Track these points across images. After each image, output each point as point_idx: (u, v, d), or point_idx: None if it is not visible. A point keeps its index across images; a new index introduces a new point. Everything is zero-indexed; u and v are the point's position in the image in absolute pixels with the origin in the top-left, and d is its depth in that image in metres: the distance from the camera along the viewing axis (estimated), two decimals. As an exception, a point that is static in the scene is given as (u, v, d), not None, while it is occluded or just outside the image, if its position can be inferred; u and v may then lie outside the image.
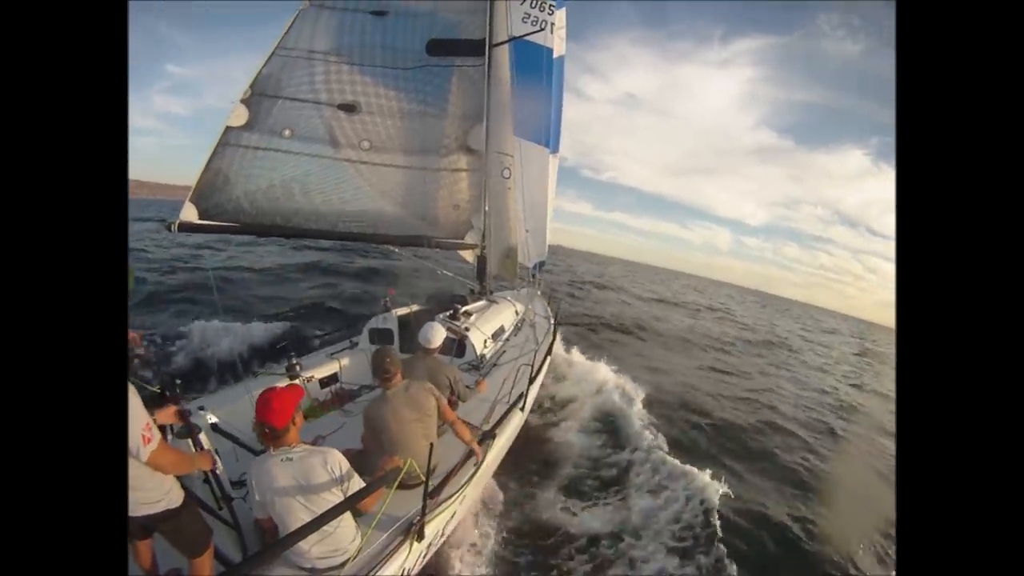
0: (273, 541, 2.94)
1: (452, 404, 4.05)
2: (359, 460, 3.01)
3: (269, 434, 2.51)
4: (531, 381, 5.25)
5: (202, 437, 3.04)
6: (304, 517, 2.45)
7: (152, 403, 2.47)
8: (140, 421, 2.06)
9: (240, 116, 4.85)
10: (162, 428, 2.71)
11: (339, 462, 2.64)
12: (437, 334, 4.34)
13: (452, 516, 3.76)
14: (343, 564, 2.66)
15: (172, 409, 2.76)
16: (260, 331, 8.75)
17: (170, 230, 4.62)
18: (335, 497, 2.57)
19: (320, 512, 2.43)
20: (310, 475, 2.54)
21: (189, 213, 4.72)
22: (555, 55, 6.94)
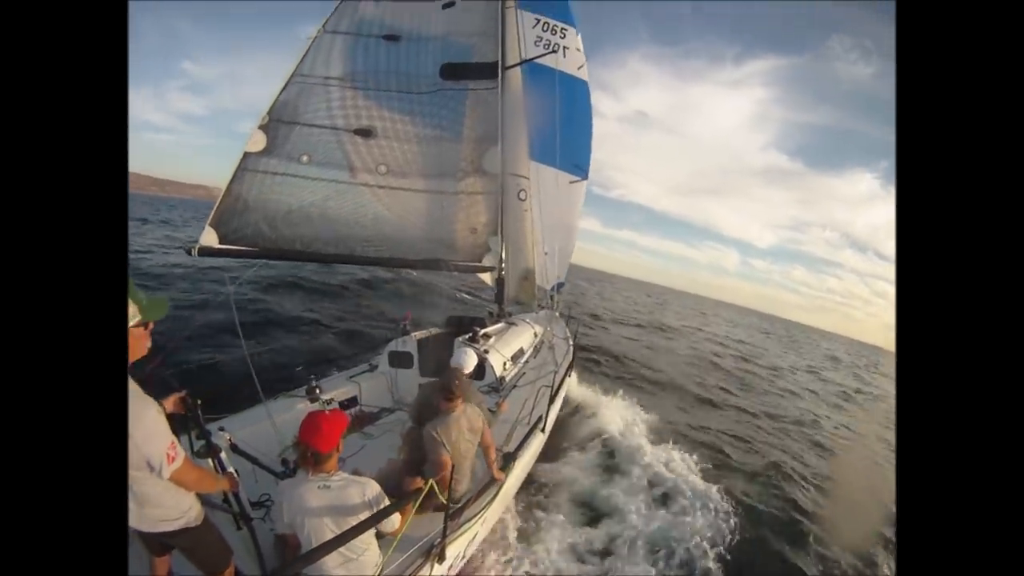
0: (294, 558, 2.93)
1: None
2: (386, 482, 2.99)
3: (311, 458, 2.50)
4: (551, 402, 5.19)
5: (223, 457, 3.04)
6: (338, 549, 2.42)
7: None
8: (165, 439, 2.05)
9: (258, 142, 4.95)
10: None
11: (377, 493, 2.62)
12: (470, 360, 4.34)
13: (473, 538, 3.70)
14: None
15: (174, 398, 2.74)
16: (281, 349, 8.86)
17: (190, 254, 4.69)
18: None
19: (354, 543, 2.42)
20: (346, 504, 2.53)
21: (209, 238, 4.79)
22: (581, 78, 7.02)
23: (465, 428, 3.44)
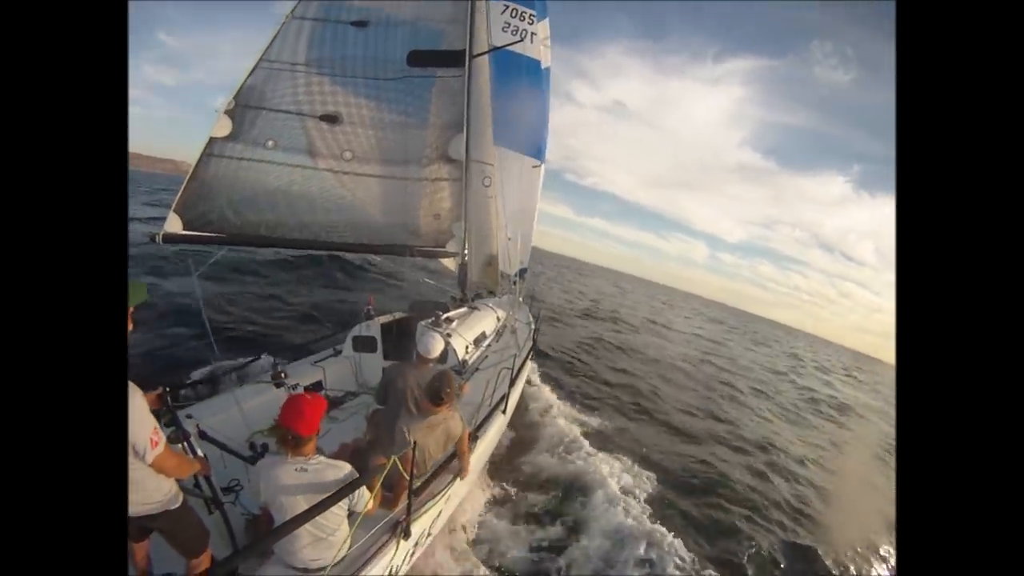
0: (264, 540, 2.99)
1: None
2: (353, 460, 3.06)
3: (291, 441, 2.52)
4: (512, 384, 5.34)
5: (193, 440, 3.08)
6: (309, 528, 2.47)
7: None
8: (148, 425, 2.12)
9: (224, 127, 4.89)
10: None
11: (351, 476, 2.66)
12: (437, 345, 4.40)
13: (438, 515, 3.82)
14: (333, 564, 2.68)
15: (154, 395, 2.80)
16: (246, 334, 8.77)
17: (155, 241, 4.63)
18: (342, 510, 2.61)
19: (325, 522, 2.49)
20: (323, 487, 2.55)
21: (174, 224, 4.73)
22: (543, 65, 7.08)
23: (440, 433, 3.51)
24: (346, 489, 2.54)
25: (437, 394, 3.44)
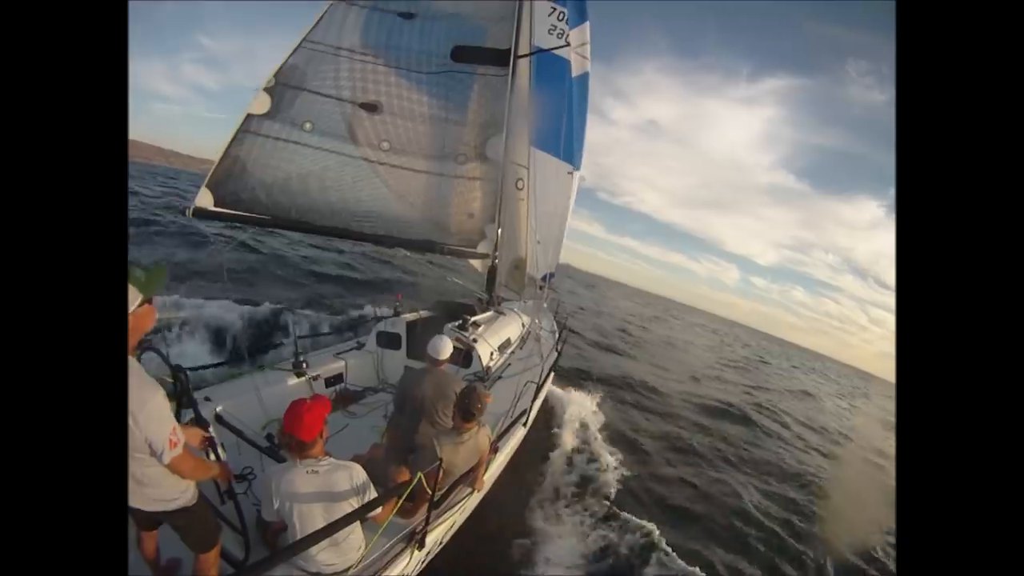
0: (274, 539, 2.97)
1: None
2: (369, 468, 2.99)
3: (295, 446, 2.53)
4: (534, 397, 5.20)
5: (213, 435, 3.00)
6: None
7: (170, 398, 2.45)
8: (168, 425, 2.07)
9: (263, 104, 4.88)
10: None
11: (362, 476, 2.68)
12: (446, 347, 4.30)
13: (452, 526, 3.72)
14: (347, 570, 2.70)
15: (200, 434, 2.73)
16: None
17: (184, 215, 4.61)
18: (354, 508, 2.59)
19: (339, 530, 2.44)
20: (334, 488, 2.57)
21: (204, 199, 4.72)
22: (579, 71, 6.95)
23: (469, 449, 3.46)
24: (368, 507, 2.56)
25: (468, 411, 3.39)
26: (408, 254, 6.86)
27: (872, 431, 20.21)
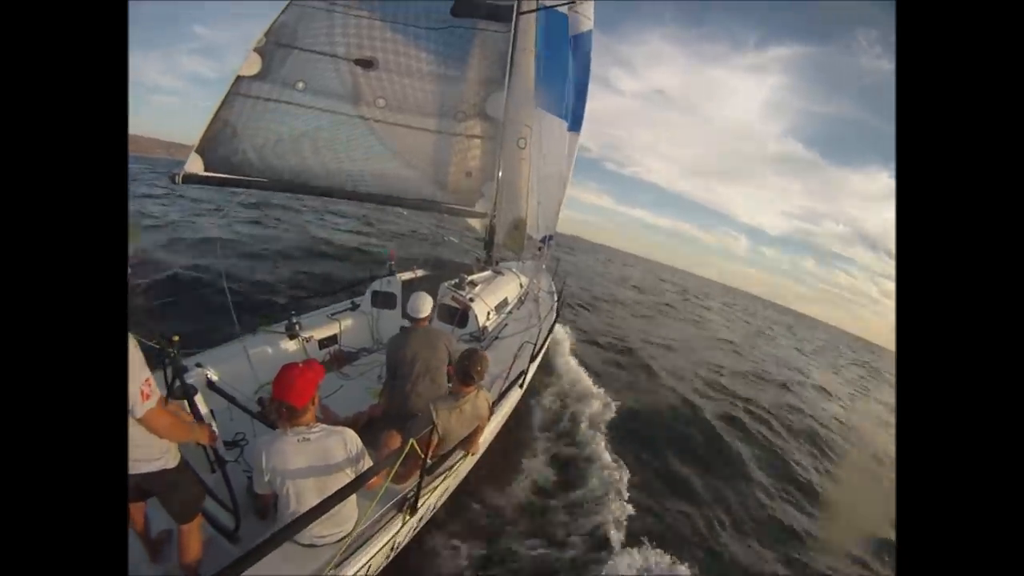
0: (265, 510, 2.96)
1: (449, 375, 4.03)
2: (370, 428, 2.96)
3: (286, 413, 2.44)
4: (532, 359, 5.22)
5: (198, 400, 2.97)
6: (315, 499, 2.39)
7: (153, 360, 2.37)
8: (140, 375, 1.97)
9: (253, 65, 4.62)
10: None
11: (355, 442, 2.61)
12: (425, 304, 4.25)
13: (445, 491, 3.79)
14: (340, 540, 2.64)
15: (208, 432, 2.68)
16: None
17: (174, 181, 4.48)
18: (348, 477, 2.54)
19: (334, 506, 2.38)
20: (327, 456, 2.51)
21: (194, 164, 4.55)
22: (583, 28, 6.63)
23: (468, 414, 3.39)
24: (362, 479, 2.49)
25: (467, 373, 3.31)
26: (405, 213, 6.74)
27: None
